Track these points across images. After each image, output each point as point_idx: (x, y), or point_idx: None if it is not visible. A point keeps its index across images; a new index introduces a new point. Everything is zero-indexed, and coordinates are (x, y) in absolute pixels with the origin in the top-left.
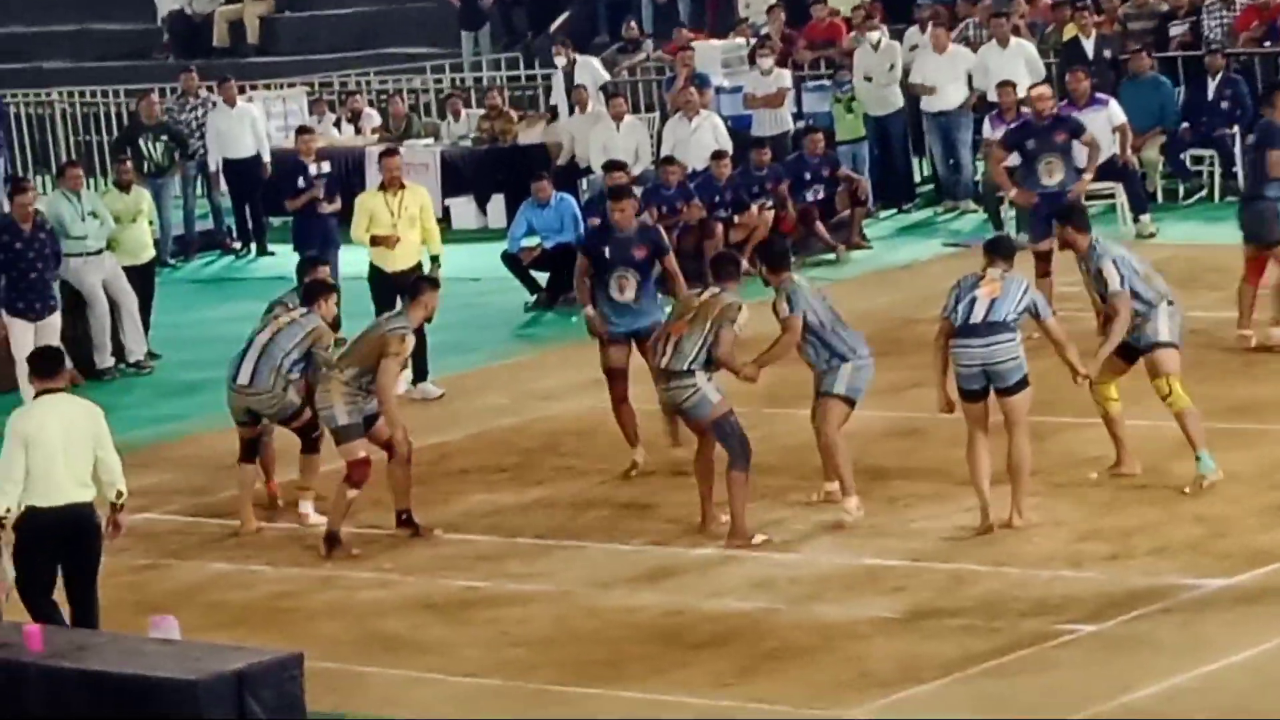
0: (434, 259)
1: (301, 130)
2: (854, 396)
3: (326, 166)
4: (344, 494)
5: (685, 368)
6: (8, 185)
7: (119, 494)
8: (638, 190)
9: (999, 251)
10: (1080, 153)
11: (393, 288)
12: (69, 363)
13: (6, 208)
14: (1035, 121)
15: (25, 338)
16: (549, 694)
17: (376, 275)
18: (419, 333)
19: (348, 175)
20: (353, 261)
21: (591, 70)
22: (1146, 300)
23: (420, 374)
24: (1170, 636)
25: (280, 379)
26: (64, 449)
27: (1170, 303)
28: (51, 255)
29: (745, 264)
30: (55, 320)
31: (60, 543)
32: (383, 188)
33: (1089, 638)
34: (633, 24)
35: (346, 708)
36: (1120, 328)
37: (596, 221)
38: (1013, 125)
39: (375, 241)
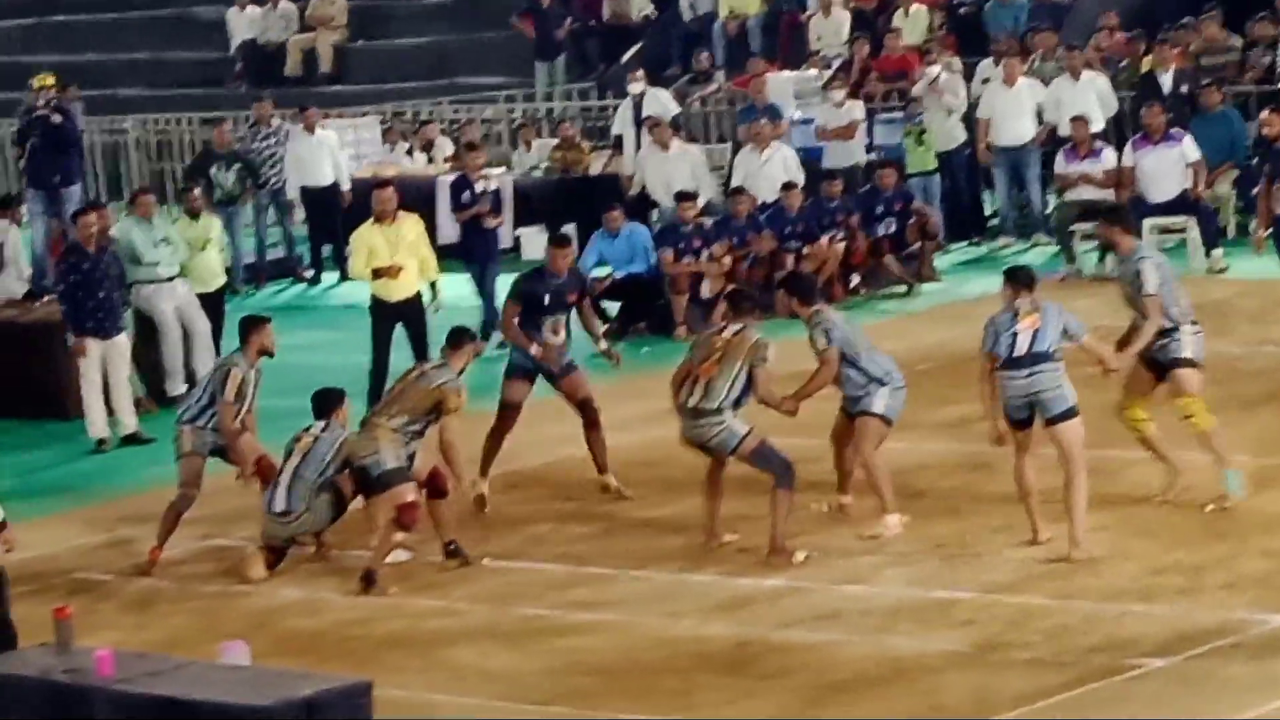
0: (432, 285)
1: (470, 146)
2: (891, 417)
3: (495, 184)
4: (391, 535)
5: (715, 407)
6: None
7: None
8: (707, 221)
9: (1022, 281)
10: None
11: (395, 317)
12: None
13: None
14: (1275, 147)
15: (93, 357)
16: None
17: (379, 307)
18: None
19: (418, 205)
20: (348, 294)
21: (661, 102)
22: (1173, 319)
23: None
24: (1241, 672)
25: (312, 494)
26: None
27: (1194, 323)
28: (117, 277)
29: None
30: (123, 340)
31: None
32: (377, 220)
33: (1159, 672)
34: (704, 55)
35: None
36: (1150, 328)
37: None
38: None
39: (377, 274)
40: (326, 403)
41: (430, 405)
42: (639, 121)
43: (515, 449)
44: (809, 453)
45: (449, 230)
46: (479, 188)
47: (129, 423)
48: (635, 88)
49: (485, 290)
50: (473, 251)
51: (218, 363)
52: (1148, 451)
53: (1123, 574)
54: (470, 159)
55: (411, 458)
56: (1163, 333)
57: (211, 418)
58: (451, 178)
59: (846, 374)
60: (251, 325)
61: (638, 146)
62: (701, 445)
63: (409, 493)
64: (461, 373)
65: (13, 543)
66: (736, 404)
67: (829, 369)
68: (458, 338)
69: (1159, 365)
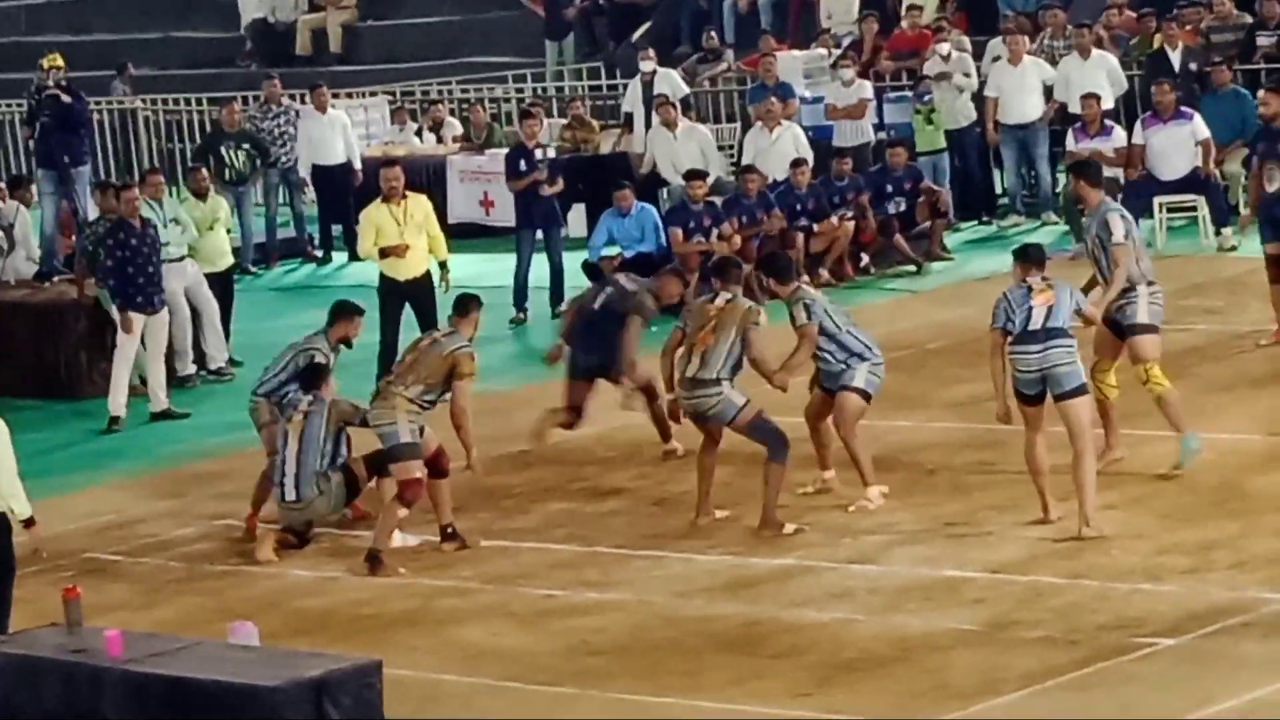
0: (442, 265)
1: (526, 115)
2: (871, 391)
3: (553, 151)
4: (394, 513)
5: (713, 376)
6: (94, 191)
7: (10, 510)
8: (717, 200)
9: (1033, 259)
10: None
11: (404, 297)
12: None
13: (93, 213)
14: (1272, 126)
15: (136, 332)
16: (626, 703)
17: (387, 286)
18: None
19: (427, 184)
20: (358, 274)
21: (671, 82)
22: (1131, 278)
23: None
24: (1251, 650)
25: (322, 478)
26: None
27: (1150, 283)
28: (158, 252)
29: (825, 274)
30: (165, 316)
31: None
32: (385, 199)
33: (1168, 651)
34: (713, 34)
35: (424, 715)
36: (1120, 276)
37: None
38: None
39: (384, 254)
40: (315, 375)
41: (446, 372)
42: (649, 100)
43: (526, 429)
44: (791, 431)
45: (460, 209)
46: (538, 155)
47: (160, 398)
48: (646, 66)
49: (552, 258)
50: (532, 218)
51: (301, 344)
52: (1100, 416)
53: (1133, 552)
54: (527, 127)
55: (421, 431)
56: (1120, 292)
57: (285, 395)
58: (506, 150)
59: (826, 350)
60: (342, 312)
61: (648, 125)
62: (698, 415)
63: (416, 469)
64: (471, 340)
65: (41, 543)
66: (733, 373)
67: (810, 343)
68: (465, 305)
69: (1119, 326)
